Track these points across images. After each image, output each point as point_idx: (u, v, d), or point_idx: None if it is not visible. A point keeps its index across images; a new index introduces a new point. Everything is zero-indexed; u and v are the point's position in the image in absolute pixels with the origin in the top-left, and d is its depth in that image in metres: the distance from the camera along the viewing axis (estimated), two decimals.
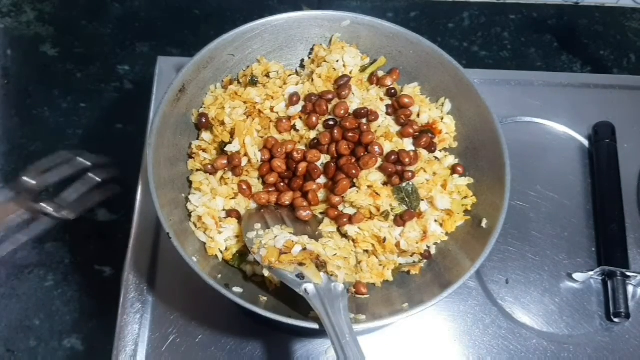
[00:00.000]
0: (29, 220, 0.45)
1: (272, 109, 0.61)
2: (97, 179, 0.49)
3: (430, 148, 0.62)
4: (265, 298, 0.55)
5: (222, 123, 0.60)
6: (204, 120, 0.61)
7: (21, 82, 0.85)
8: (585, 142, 0.76)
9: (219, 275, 0.54)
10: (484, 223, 0.57)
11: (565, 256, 0.69)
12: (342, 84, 0.62)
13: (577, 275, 0.67)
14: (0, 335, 0.69)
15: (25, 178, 0.45)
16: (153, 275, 0.65)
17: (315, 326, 0.51)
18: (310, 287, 0.51)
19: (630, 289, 0.67)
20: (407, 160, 0.58)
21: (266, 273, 0.55)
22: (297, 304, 0.55)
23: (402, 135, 0.61)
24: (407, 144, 0.61)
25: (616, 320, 0.65)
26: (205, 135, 0.61)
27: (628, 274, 0.66)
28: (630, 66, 0.89)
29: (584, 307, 0.67)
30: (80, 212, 0.50)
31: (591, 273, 0.67)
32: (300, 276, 0.51)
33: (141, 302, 0.63)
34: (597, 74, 0.87)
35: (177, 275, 0.64)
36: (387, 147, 0.60)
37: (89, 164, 0.48)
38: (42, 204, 0.45)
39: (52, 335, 0.70)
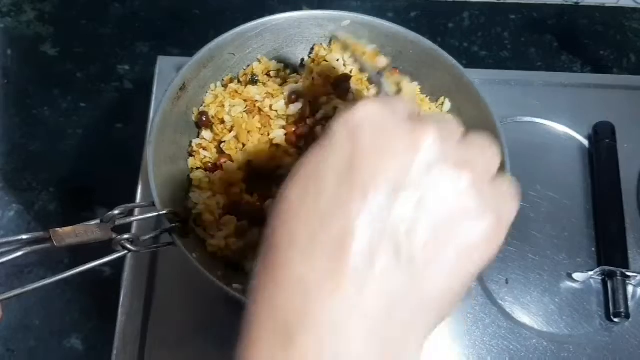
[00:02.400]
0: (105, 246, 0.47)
1: (271, 107, 0.61)
2: (170, 225, 0.51)
3: None
4: None
5: (222, 121, 0.60)
6: (204, 119, 0.61)
7: (21, 82, 0.85)
8: (585, 142, 0.76)
9: (219, 273, 0.55)
10: None
11: (565, 256, 0.69)
12: (341, 83, 0.62)
13: (577, 275, 0.67)
14: (0, 335, 0.69)
15: (115, 212, 0.46)
16: (153, 275, 0.65)
17: None
18: None
19: (630, 289, 0.67)
20: None
21: None
22: None
23: None
24: None
25: (616, 320, 0.65)
26: (206, 134, 0.61)
27: (628, 274, 0.66)
28: (630, 66, 0.89)
29: (584, 307, 0.67)
30: (150, 249, 0.52)
31: (591, 273, 0.67)
32: None
33: (141, 302, 0.63)
34: (597, 74, 0.87)
35: (177, 275, 0.64)
36: None
37: (165, 211, 0.50)
38: (118, 237, 0.46)
39: (52, 335, 0.70)
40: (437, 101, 0.65)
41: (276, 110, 0.61)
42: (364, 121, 0.30)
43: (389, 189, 0.28)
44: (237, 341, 0.30)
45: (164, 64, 0.76)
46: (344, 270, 0.27)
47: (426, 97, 0.65)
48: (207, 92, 0.63)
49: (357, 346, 0.27)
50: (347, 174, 0.29)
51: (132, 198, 0.66)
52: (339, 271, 0.27)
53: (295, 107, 0.61)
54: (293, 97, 0.61)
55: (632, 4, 0.93)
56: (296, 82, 0.63)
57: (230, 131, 0.60)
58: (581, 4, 0.94)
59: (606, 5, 0.93)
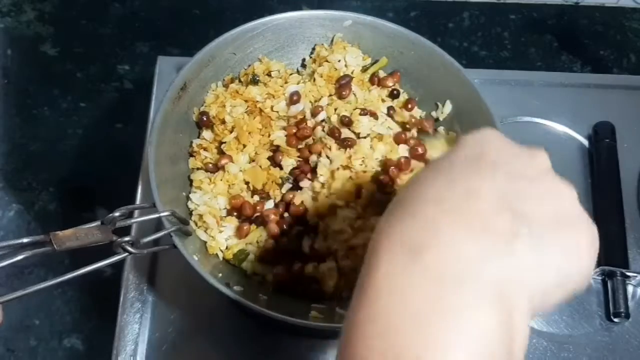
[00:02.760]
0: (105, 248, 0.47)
1: (272, 108, 0.61)
2: (170, 227, 0.51)
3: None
4: (265, 297, 0.55)
5: (223, 121, 0.60)
6: (204, 119, 0.61)
7: (21, 81, 0.85)
8: (585, 142, 0.76)
9: (220, 274, 0.55)
10: None
11: None
12: (343, 84, 0.62)
13: None
14: (0, 335, 0.69)
15: (115, 214, 0.46)
16: (153, 275, 0.65)
17: (316, 326, 0.51)
18: None
19: (630, 288, 0.67)
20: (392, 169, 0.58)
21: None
22: (298, 303, 0.55)
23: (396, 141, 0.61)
24: (402, 150, 0.61)
25: (616, 320, 0.65)
26: (206, 134, 0.61)
27: (628, 273, 0.66)
28: (630, 66, 0.89)
29: (584, 307, 0.67)
30: (151, 251, 0.52)
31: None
32: None
33: (141, 302, 0.63)
34: (597, 74, 0.87)
35: (177, 275, 0.64)
36: (381, 149, 0.60)
37: (167, 213, 0.50)
38: (119, 239, 0.46)
39: (52, 335, 0.70)
40: (437, 101, 0.65)
41: (277, 112, 0.61)
42: (490, 135, 0.36)
43: (511, 174, 0.33)
44: (365, 260, 0.32)
45: (164, 64, 0.76)
46: (468, 214, 0.31)
47: (426, 96, 0.65)
48: (207, 92, 0.63)
49: (475, 271, 0.30)
50: (478, 158, 0.34)
51: (133, 198, 0.66)
52: (464, 214, 0.31)
53: (296, 109, 0.61)
54: (294, 97, 0.61)
55: (632, 4, 0.93)
56: (297, 83, 0.63)
57: (230, 132, 0.60)
58: (581, 4, 0.94)
59: (606, 5, 0.94)
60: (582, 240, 0.33)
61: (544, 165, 0.35)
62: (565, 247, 0.32)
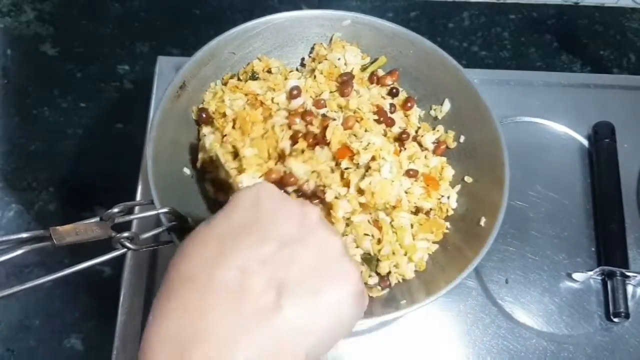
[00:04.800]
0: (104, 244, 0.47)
1: (272, 100, 0.61)
2: (169, 224, 0.51)
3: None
4: None
5: (223, 115, 0.60)
6: (204, 116, 0.61)
7: (21, 81, 0.85)
8: (585, 142, 0.76)
9: None
10: (482, 222, 0.57)
11: (565, 256, 0.69)
12: (345, 81, 0.62)
13: (576, 275, 0.67)
14: (0, 335, 0.69)
15: (114, 210, 0.46)
16: (153, 275, 0.65)
17: None
18: None
19: (629, 288, 0.67)
20: None
21: None
22: None
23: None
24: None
25: (616, 320, 0.65)
26: (206, 130, 0.61)
27: (628, 273, 0.66)
28: (630, 66, 0.89)
29: (584, 307, 0.67)
30: (150, 247, 0.53)
31: (591, 273, 0.67)
32: None
33: (141, 302, 0.63)
34: (597, 74, 0.87)
35: None
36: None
37: (165, 209, 0.50)
38: (118, 235, 0.46)
39: (52, 335, 0.70)
40: (437, 101, 0.65)
41: (277, 103, 0.61)
42: (264, 193, 0.38)
43: (281, 242, 0.35)
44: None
45: (164, 64, 0.76)
46: (236, 302, 0.33)
47: (426, 95, 0.65)
48: (206, 91, 0.63)
49: (244, 354, 0.32)
50: (249, 228, 0.36)
51: (132, 197, 0.66)
52: (232, 303, 0.32)
53: (296, 103, 0.61)
54: (294, 92, 0.61)
55: (631, 4, 0.93)
56: (298, 79, 0.63)
57: (233, 125, 0.60)
58: (581, 3, 0.94)
59: (606, 5, 0.94)
60: (346, 290, 0.36)
61: (314, 221, 0.37)
62: (330, 302, 0.35)
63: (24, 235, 0.41)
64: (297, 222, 0.37)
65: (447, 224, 0.61)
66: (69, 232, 0.42)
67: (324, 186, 0.57)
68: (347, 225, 0.58)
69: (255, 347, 0.32)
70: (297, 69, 0.67)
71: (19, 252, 0.40)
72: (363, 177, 0.57)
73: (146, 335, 0.33)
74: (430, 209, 0.61)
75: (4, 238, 0.40)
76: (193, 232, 0.37)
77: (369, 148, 0.58)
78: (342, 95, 0.62)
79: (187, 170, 0.61)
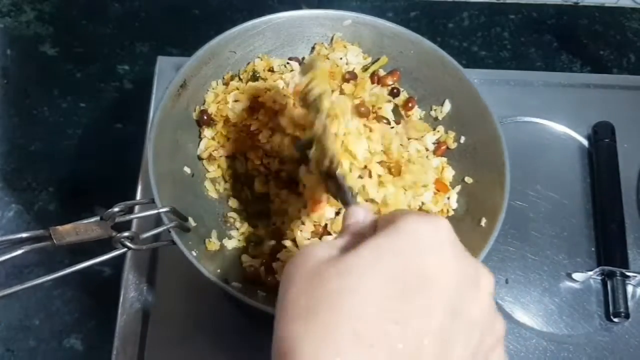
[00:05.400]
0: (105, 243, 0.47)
1: (274, 101, 0.61)
2: (169, 223, 0.51)
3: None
4: (264, 293, 0.55)
5: (227, 119, 0.61)
6: (205, 117, 0.61)
7: (20, 81, 0.85)
8: (585, 142, 0.76)
9: (218, 270, 0.55)
10: (483, 222, 0.57)
11: (565, 256, 0.69)
12: (349, 79, 0.62)
13: (576, 275, 0.67)
14: (0, 335, 0.69)
15: (114, 209, 0.46)
16: (153, 275, 0.65)
17: None
18: None
19: (629, 288, 0.67)
20: None
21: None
22: None
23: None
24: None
25: (616, 320, 0.65)
26: (207, 132, 0.61)
27: (627, 273, 0.66)
28: (630, 66, 0.89)
29: (584, 307, 0.67)
30: (150, 247, 0.52)
31: (591, 273, 0.67)
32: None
33: (141, 302, 0.63)
34: (596, 74, 0.86)
35: (177, 275, 0.64)
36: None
37: (165, 209, 0.50)
38: (118, 234, 0.46)
39: (52, 335, 0.70)
40: (437, 101, 0.65)
41: (281, 103, 0.61)
42: (433, 242, 0.31)
43: (452, 314, 0.30)
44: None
45: (164, 64, 0.76)
46: None
47: (426, 96, 0.65)
48: (207, 90, 0.63)
49: None
50: (413, 285, 0.29)
51: (132, 197, 0.66)
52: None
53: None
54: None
55: (631, 4, 0.93)
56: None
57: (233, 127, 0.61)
58: (581, 3, 0.94)
59: (606, 5, 0.94)
60: None
61: (487, 291, 0.33)
62: None
63: (24, 235, 0.41)
64: (470, 293, 0.31)
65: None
66: (68, 232, 0.42)
67: None
68: None
69: None
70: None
71: (19, 252, 0.40)
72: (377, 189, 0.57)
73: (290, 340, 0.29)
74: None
75: (4, 238, 0.40)
76: (351, 258, 0.30)
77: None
78: (343, 93, 0.62)
79: (187, 170, 0.61)
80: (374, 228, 0.33)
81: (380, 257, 0.30)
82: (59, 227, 0.42)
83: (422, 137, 0.64)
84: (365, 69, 0.66)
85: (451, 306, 0.30)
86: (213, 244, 0.58)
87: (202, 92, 0.62)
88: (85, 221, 0.45)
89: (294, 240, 0.57)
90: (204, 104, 0.62)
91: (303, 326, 0.28)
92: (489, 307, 0.32)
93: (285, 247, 0.57)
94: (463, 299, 0.30)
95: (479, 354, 0.31)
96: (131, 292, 0.63)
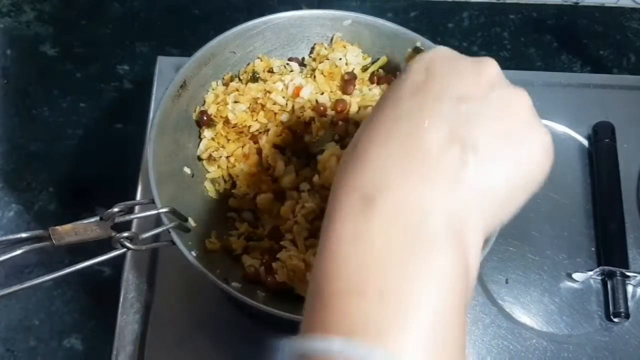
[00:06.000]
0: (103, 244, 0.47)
1: (274, 103, 0.61)
2: (169, 223, 0.51)
3: None
4: (263, 293, 0.55)
5: (227, 120, 0.61)
6: (205, 118, 0.61)
7: (20, 81, 0.85)
8: (585, 142, 0.76)
9: (218, 270, 0.55)
10: None
11: (565, 256, 0.69)
12: (348, 80, 0.62)
13: (576, 275, 0.67)
14: (0, 335, 0.69)
15: (114, 209, 0.46)
16: (153, 275, 0.65)
17: None
18: None
19: (629, 288, 0.67)
20: None
21: None
22: (296, 300, 0.55)
23: None
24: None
25: (616, 320, 0.65)
26: (207, 133, 0.61)
27: (628, 273, 0.66)
28: (630, 66, 0.89)
29: (584, 306, 0.67)
30: (149, 247, 0.52)
31: (591, 273, 0.67)
32: None
33: (141, 302, 0.63)
34: (597, 74, 0.86)
35: (177, 275, 0.64)
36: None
37: (165, 209, 0.50)
38: (117, 234, 0.46)
39: (52, 335, 0.70)
40: None
41: (280, 105, 0.61)
42: (437, 56, 0.36)
43: (457, 98, 0.33)
44: (326, 209, 0.33)
45: (164, 64, 0.76)
46: (415, 154, 0.31)
47: None
48: (207, 90, 0.63)
49: (426, 209, 0.30)
50: (421, 88, 0.34)
51: (132, 197, 0.66)
52: (410, 156, 0.31)
53: (305, 93, 0.61)
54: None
55: (631, 4, 0.93)
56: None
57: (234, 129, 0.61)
58: (581, 4, 0.94)
59: (606, 5, 0.94)
60: (534, 149, 0.34)
61: (493, 76, 0.35)
62: (515, 160, 0.33)
63: (23, 235, 0.41)
64: (473, 79, 0.34)
65: None
66: (68, 232, 0.42)
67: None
68: None
69: (441, 203, 0.30)
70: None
71: (19, 251, 0.40)
72: None
73: (333, 189, 0.33)
74: None
75: (3, 238, 0.40)
76: (375, 105, 0.36)
77: None
78: (344, 93, 0.62)
79: (187, 170, 0.61)
80: None
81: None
82: (58, 227, 0.42)
83: None
84: (365, 69, 0.66)
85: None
86: (213, 244, 0.58)
87: (202, 93, 0.62)
88: (84, 221, 0.45)
89: (292, 241, 0.57)
90: (203, 104, 0.62)
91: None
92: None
93: (284, 247, 0.57)
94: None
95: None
96: (131, 292, 0.64)
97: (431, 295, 0.29)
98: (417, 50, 0.48)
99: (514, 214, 0.34)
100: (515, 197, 0.34)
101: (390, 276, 0.29)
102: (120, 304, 0.63)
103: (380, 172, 0.31)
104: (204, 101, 0.62)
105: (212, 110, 0.61)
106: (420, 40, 0.63)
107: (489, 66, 0.35)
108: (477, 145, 0.32)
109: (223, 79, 0.64)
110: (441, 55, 0.36)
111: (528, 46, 0.90)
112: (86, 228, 0.44)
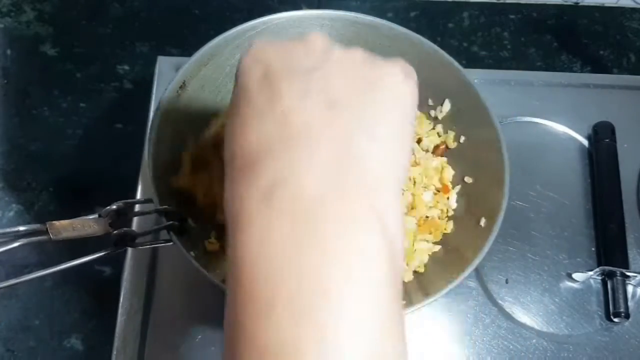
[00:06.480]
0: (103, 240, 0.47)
1: None
2: (168, 223, 0.51)
3: None
4: None
5: None
6: None
7: (21, 82, 0.85)
8: (585, 142, 0.76)
9: (218, 271, 0.55)
10: (482, 222, 0.57)
11: (565, 256, 0.69)
12: None
13: (576, 275, 0.67)
14: (0, 335, 0.69)
15: (113, 207, 0.46)
16: (153, 275, 0.65)
17: None
18: None
19: (630, 288, 0.67)
20: None
21: None
22: None
23: None
24: None
25: (616, 320, 0.65)
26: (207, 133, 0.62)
27: (628, 273, 0.66)
28: (630, 66, 0.89)
29: (584, 307, 0.67)
30: (148, 245, 0.52)
31: (591, 273, 0.67)
32: None
33: (141, 302, 0.63)
34: (597, 74, 0.86)
35: (177, 275, 0.64)
36: None
37: (163, 208, 0.50)
38: (116, 232, 0.46)
39: (52, 335, 0.70)
40: (437, 102, 0.65)
41: None
42: (261, 46, 0.35)
43: (304, 71, 0.33)
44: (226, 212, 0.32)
45: (164, 64, 0.76)
46: (291, 135, 0.31)
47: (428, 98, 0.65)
48: (207, 91, 0.63)
49: (319, 193, 0.29)
50: (268, 80, 0.33)
51: (132, 198, 0.66)
52: (287, 136, 0.31)
53: None
54: None
55: (632, 4, 0.93)
56: None
57: None
58: (581, 4, 0.94)
59: (606, 5, 0.93)
60: (390, 81, 0.34)
61: (322, 44, 0.35)
62: (381, 99, 0.33)
63: (21, 228, 0.41)
64: (307, 54, 0.34)
65: (447, 225, 0.61)
66: (65, 227, 0.42)
67: None
68: None
69: (331, 179, 0.29)
70: None
71: (15, 244, 0.40)
72: None
73: (231, 206, 0.31)
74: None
75: (1, 231, 0.40)
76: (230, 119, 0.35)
77: None
78: None
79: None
80: None
81: None
82: (56, 222, 0.42)
83: (422, 137, 0.64)
84: None
85: None
86: (213, 244, 0.58)
87: (202, 94, 0.62)
88: (83, 217, 0.45)
89: None
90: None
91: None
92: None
93: None
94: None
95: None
96: (131, 292, 0.64)
97: (354, 297, 0.27)
98: None
99: (411, 153, 0.34)
100: (402, 134, 0.33)
101: (299, 281, 0.27)
102: (120, 304, 0.63)
103: (271, 161, 0.30)
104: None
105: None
106: (419, 41, 0.63)
107: (314, 37, 0.36)
108: (341, 101, 0.32)
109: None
110: (264, 45, 0.36)
111: (528, 46, 0.90)
112: (84, 224, 0.44)
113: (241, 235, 0.29)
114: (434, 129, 0.65)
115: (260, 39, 0.36)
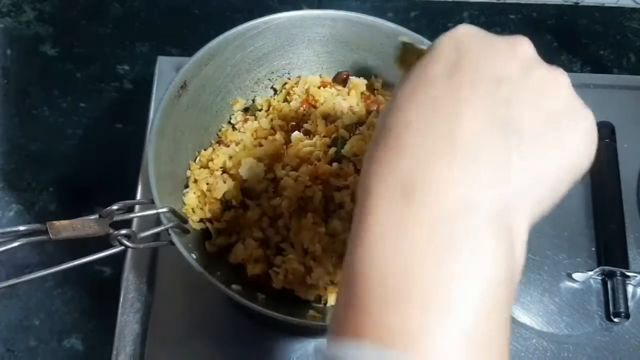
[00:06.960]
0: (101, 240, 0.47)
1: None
2: (168, 223, 0.51)
3: None
4: (263, 296, 0.55)
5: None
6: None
7: (21, 82, 0.85)
8: None
9: (218, 272, 0.55)
10: None
11: (565, 256, 0.69)
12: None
13: (576, 275, 0.67)
14: (0, 335, 0.69)
15: (113, 207, 0.46)
16: (153, 275, 0.65)
17: (314, 325, 0.51)
18: None
19: (630, 288, 0.67)
20: None
21: None
22: (296, 302, 0.55)
23: None
24: None
25: (616, 320, 0.65)
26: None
27: (628, 273, 0.66)
28: (630, 66, 0.89)
29: (584, 307, 0.67)
30: (147, 246, 0.52)
31: (591, 273, 0.67)
32: None
33: (141, 302, 0.63)
34: (597, 74, 0.86)
35: (177, 275, 0.64)
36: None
37: (164, 209, 0.50)
38: (115, 232, 0.46)
39: (52, 335, 0.70)
40: None
41: None
42: (465, 34, 0.33)
43: (495, 80, 0.31)
44: (357, 203, 0.30)
45: (164, 64, 0.76)
46: (456, 142, 0.29)
47: None
48: (207, 92, 0.63)
49: (471, 201, 0.28)
50: (455, 70, 0.31)
51: (132, 198, 0.66)
52: (452, 143, 0.29)
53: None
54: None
55: (632, 4, 0.93)
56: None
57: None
58: (581, 3, 0.94)
59: (606, 5, 0.94)
60: (579, 133, 0.33)
61: (528, 55, 0.33)
62: (561, 144, 0.31)
63: (21, 227, 0.41)
64: (508, 58, 0.32)
65: None
66: (65, 227, 0.42)
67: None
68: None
69: (486, 195, 0.28)
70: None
71: (15, 244, 0.40)
72: None
73: (364, 181, 0.30)
74: None
75: (1, 230, 0.40)
76: (399, 88, 0.32)
77: None
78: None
79: (187, 171, 0.61)
80: None
81: None
82: (56, 222, 0.42)
83: None
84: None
85: None
86: (213, 245, 0.58)
87: (202, 94, 0.62)
88: (83, 218, 0.45)
89: (291, 244, 0.58)
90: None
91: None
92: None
93: (283, 250, 0.57)
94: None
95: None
96: (131, 292, 0.63)
97: (476, 301, 0.27)
98: (408, 47, 0.48)
99: (556, 204, 0.32)
100: (560, 185, 0.32)
101: (434, 280, 0.27)
102: (120, 304, 0.63)
103: (419, 163, 0.29)
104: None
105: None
106: (409, 36, 0.63)
107: (524, 45, 0.33)
108: (520, 130, 0.30)
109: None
110: (469, 32, 0.33)
111: None
112: (84, 224, 0.44)
113: (377, 219, 0.29)
114: None
115: (467, 24, 0.34)
